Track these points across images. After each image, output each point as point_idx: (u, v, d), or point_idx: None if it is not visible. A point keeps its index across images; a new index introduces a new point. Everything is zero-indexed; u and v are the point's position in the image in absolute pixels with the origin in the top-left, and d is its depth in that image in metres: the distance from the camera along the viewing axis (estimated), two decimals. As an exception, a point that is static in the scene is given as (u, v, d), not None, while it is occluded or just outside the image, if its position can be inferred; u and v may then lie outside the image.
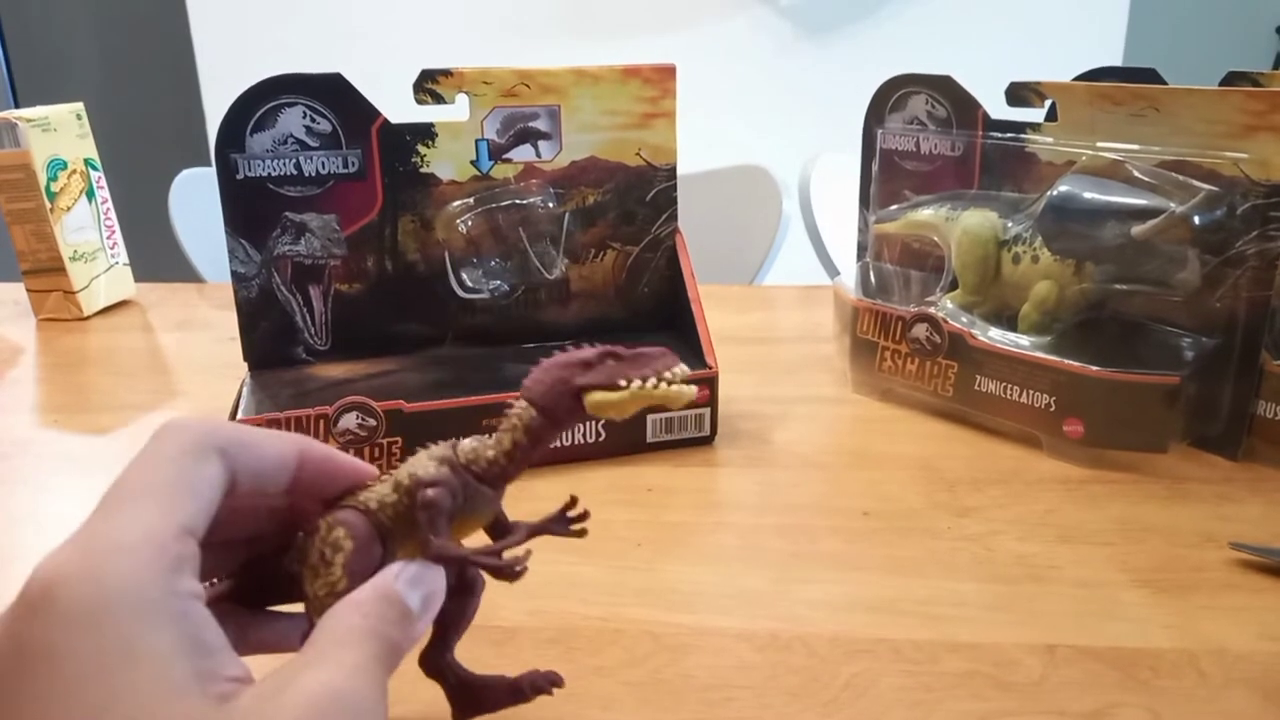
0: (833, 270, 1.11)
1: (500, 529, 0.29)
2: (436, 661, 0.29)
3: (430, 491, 0.26)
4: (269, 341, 0.57)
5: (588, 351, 0.27)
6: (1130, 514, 0.46)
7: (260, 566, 0.29)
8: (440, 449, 0.27)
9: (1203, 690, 0.34)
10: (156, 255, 1.18)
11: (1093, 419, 0.50)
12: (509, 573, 0.26)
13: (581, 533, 0.28)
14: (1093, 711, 0.33)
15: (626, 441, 0.53)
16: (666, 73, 0.58)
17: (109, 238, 0.85)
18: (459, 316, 0.59)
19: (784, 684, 0.35)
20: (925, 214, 0.61)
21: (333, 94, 0.54)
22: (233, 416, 0.49)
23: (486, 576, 0.29)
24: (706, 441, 0.55)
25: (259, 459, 0.26)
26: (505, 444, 0.27)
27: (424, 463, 0.27)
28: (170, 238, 1.21)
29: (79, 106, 0.83)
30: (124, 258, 0.87)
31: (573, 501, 0.28)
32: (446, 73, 0.55)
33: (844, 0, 1.73)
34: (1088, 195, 0.52)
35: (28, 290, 0.82)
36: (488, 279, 0.59)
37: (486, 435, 0.28)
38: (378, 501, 0.27)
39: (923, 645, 0.37)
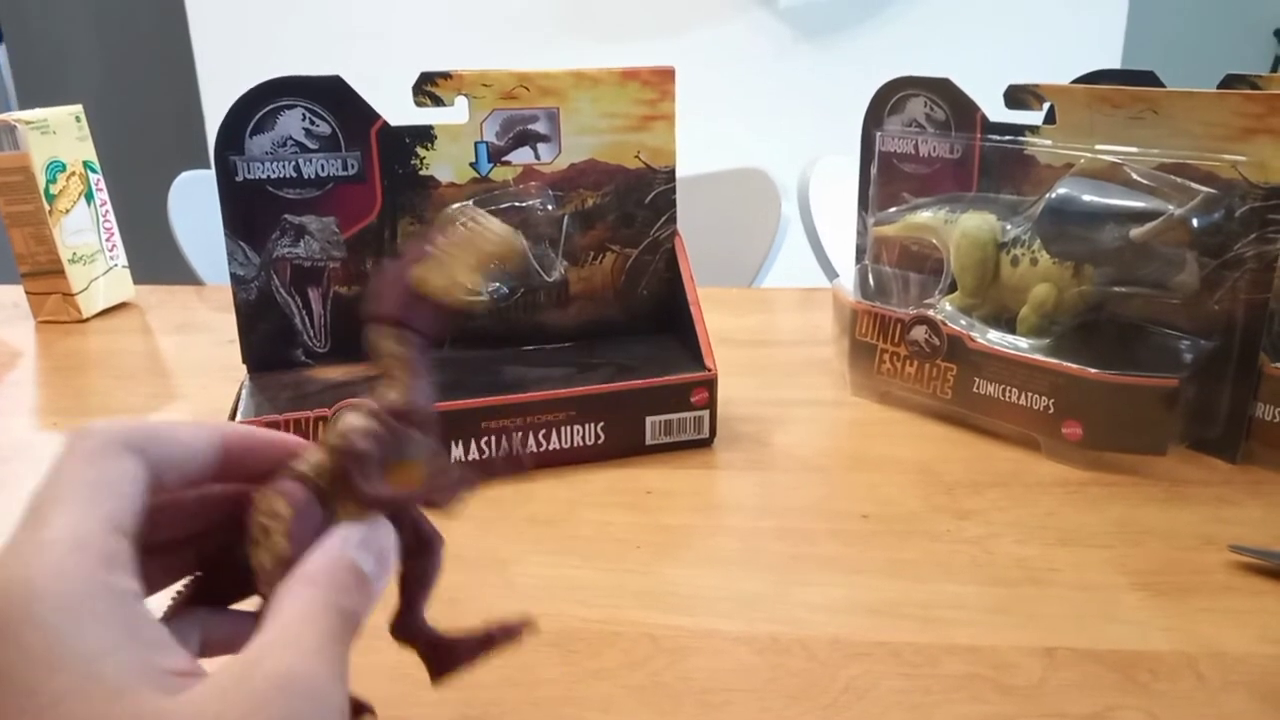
0: (831, 273, 1.11)
1: (442, 475, 0.28)
2: (407, 627, 0.29)
3: (354, 440, 0.26)
4: (268, 344, 0.57)
5: (409, 255, 0.27)
6: (1129, 516, 0.46)
7: (220, 563, 0.28)
8: (359, 400, 0.27)
9: (1201, 693, 0.34)
10: (155, 258, 1.18)
11: (1091, 421, 0.50)
12: (443, 504, 0.26)
13: (523, 467, 0.28)
14: (1092, 714, 0.33)
15: (625, 444, 0.53)
16: (665, 75, 0.58)
17: (108, 240, 0.85)
18: (457, 319, 0.59)
19: (783, 687, 0.35)
20: (924, 216, 0.61)
21: (332, 96, 0.54)
22: (232, 418, 0.49)
23: (458, 525, 0.29)
24: (706, 444, 0.55)
25: (176, 449, 0.25)
26: (392, 369, 0.27)
27: (347, 419, 0.26)
28: (169, 240, 1.21)
29: (78, 109, 0.83)
30: (123, 260, 0.87)
31: (511, 444, 0.28)
32: (445, 75, 0.55)
33: (843, 3, 1.73)
34: (1086, 198, 0.52)
35: (26, 293, 0.82)
36: (486, 281, 0.59)
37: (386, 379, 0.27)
38: (311, 467, 0.26)
39: (922, 648, 0.37)
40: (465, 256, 0.26)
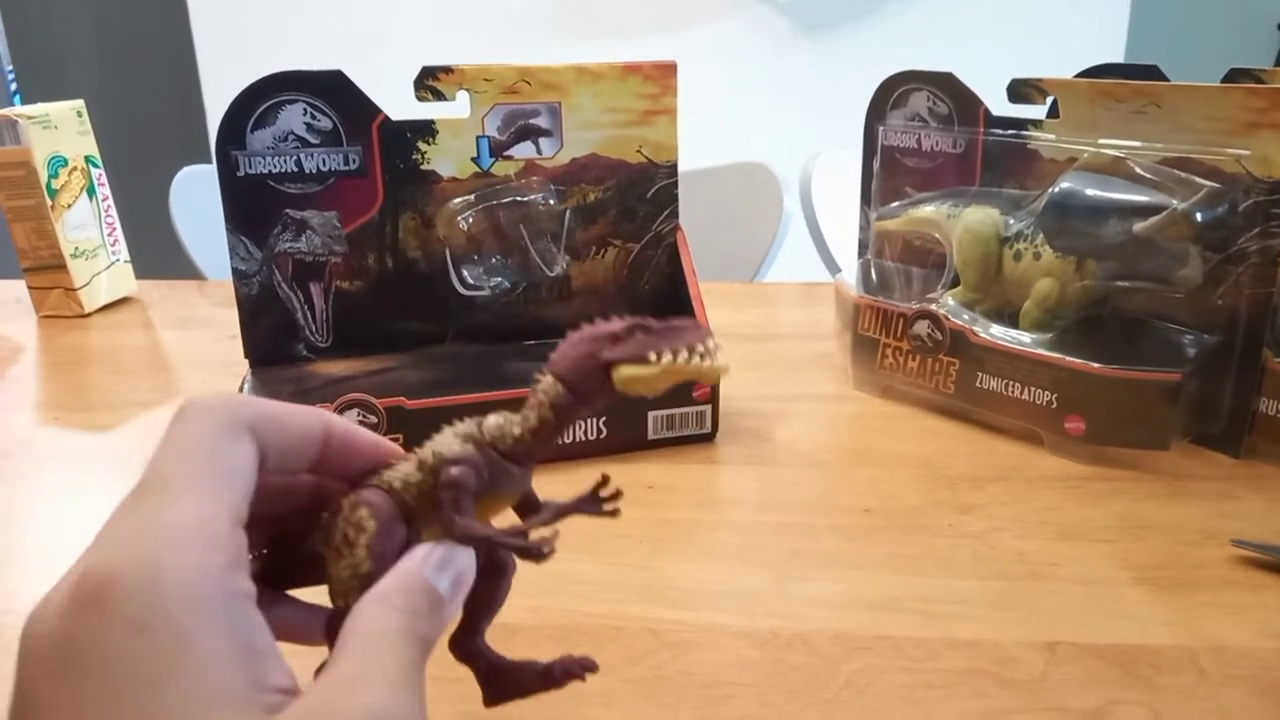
0: (834, 267, 1.11)
1: (529, 509, 0.28)
2: (467, 645, 0.28)
3: (454, 470, 0.25)
4: (270, 339, 0.57)
5: (616, 324, 0.25)
6: (1131, 511, 0.46)
7: (285, 548, 0.28)
8: (465, 426, 0.26)
9: (1203, 687, 0.34)
10: (157, 252, 1.18)
11: (1094, 416, 0.50)
12: (535, 553, 0.25)
13: (614, 512, 0.26)
14: (1093, 709, 0.33)
15: (627, 439, 0.53)
16: (668, 70, 0.58)
17: (110, 235, 0.85)
18: (460, 314, 0.59)
19: (784, 681, 0.35)
20: (927, 211, 0.60)
21: (333, 91, 0.54)
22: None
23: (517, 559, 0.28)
24: (707, 439, 0.55)
25: (285, 434, 0.25)
26: (531, 421, 0.26)
27: (448, 440, 0.26)
28: (171, 235, 1.21)
29: (80, 104, 0.83)
30: (125, 255, 0.87)
31: (605, 480, 0.26)
32: (447, 70, 0.55)
33: (845, -3, 1.73)
34: (1089, 192, 0.52)
35: (29, 287, 0.82)
36: (489, 276, 0.59)
37: (513, 412, 0.27)
38: (401, 481, 0.26)
39: (923, 643, 0.37)
40: (681, 377, 0.25)
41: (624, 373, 0.25)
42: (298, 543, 0.27)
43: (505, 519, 0.27)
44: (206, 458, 0.23)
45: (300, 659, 0.23)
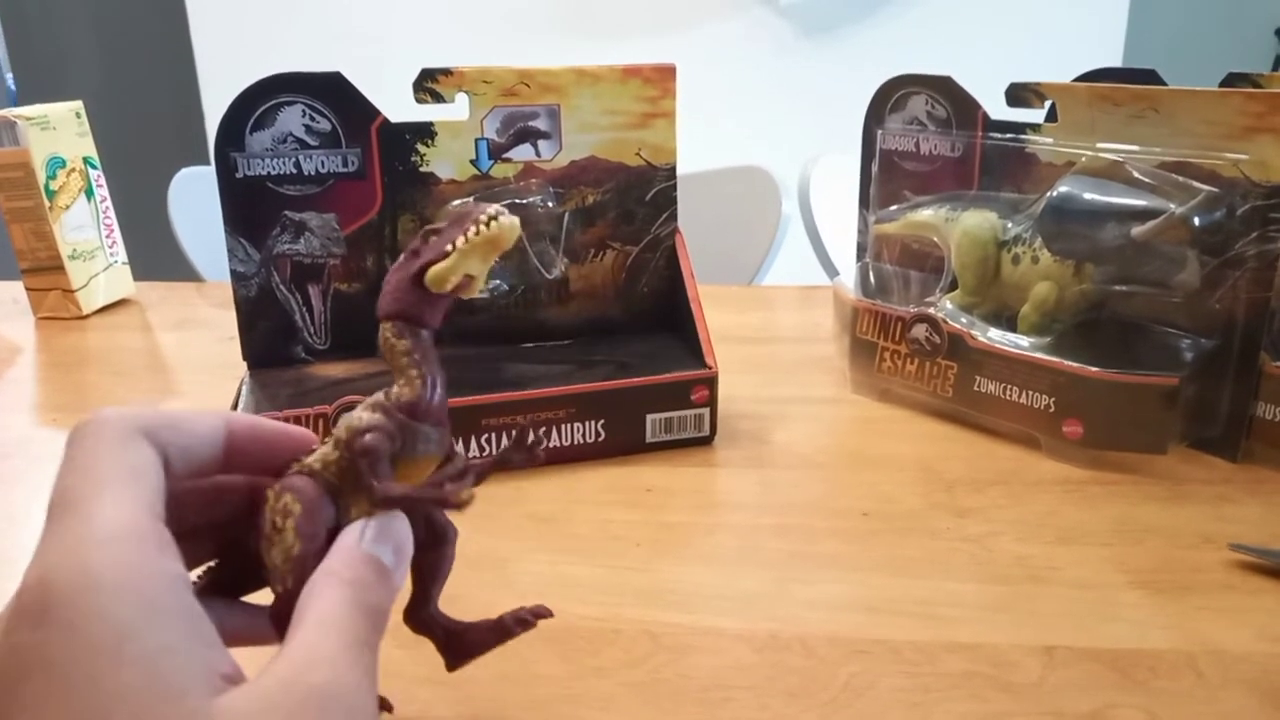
0: (832, 270, 1.11)
1: (453, 470, 0.28)
2: (421, 616, 0.29)
3: (366, 437, 0.25)
4: (268, 341, 0.57)
5: (412, 243, 0.27)
6: (1129, 515, 0.46)
7: (232, 555, 0.29)
8: (372, 397, 0.27)
9: (1201, 691, 0.34)
10: (155, 254, 1.18)
11: (1092, 420, 0.50)
12: (453, 502, 0.25)
13: (535, 460, 0.28)
14: (1091, 712, 0.33)
15: (625, 442, 0.53)
16: (667, 73, 0.58)
17: (108, 236, 0.85)
18: (458, 316, 0.59)
19: (783, 684, 0.35)
20: (925, 214, 0.61)
21: (332, 93, 0.54)
22: (231, 415, 0.48)
23: (458, 524, 0.29)
24: (706, 442, 0.55)
25: (185, 436, 0.26)
26: (404, 365, 0.27)
27: (356, 413, 0.26)
28: (169, 236, 1.21)
29: (78, 105, 0.83)
30: (123, 256, 0.87)
31: (523, 435, 0.28)
32: (446, 72, 0.55)
33: (844, 1, 1.73)
34: (1087, 196, 0.52)
35: (26, 289, 0.82)
36: (487, 278, 0.59)
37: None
38: (321, 461, 0.26)
39: (922, 646, 0.37)
40: (484, 252, 0.26)
41: (431, 273, 0.26)
42: (244, 548, 0.28)
43: None
44: (111, 464, 0.23)
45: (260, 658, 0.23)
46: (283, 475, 0.27)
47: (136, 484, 0.23)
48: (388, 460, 0.26)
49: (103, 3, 2.32)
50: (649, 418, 0.53)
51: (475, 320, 0.59)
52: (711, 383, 0.54)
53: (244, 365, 0.56)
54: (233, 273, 0.55)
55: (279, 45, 1.79)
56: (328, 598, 0.23)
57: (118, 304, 0.86)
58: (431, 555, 0.28)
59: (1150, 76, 0.58)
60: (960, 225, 0.58)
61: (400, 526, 0.26)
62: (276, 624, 0.25)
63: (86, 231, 0.83)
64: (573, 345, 0.60)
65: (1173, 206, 0.49)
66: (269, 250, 0.56)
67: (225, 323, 0.66)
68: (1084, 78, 0.61)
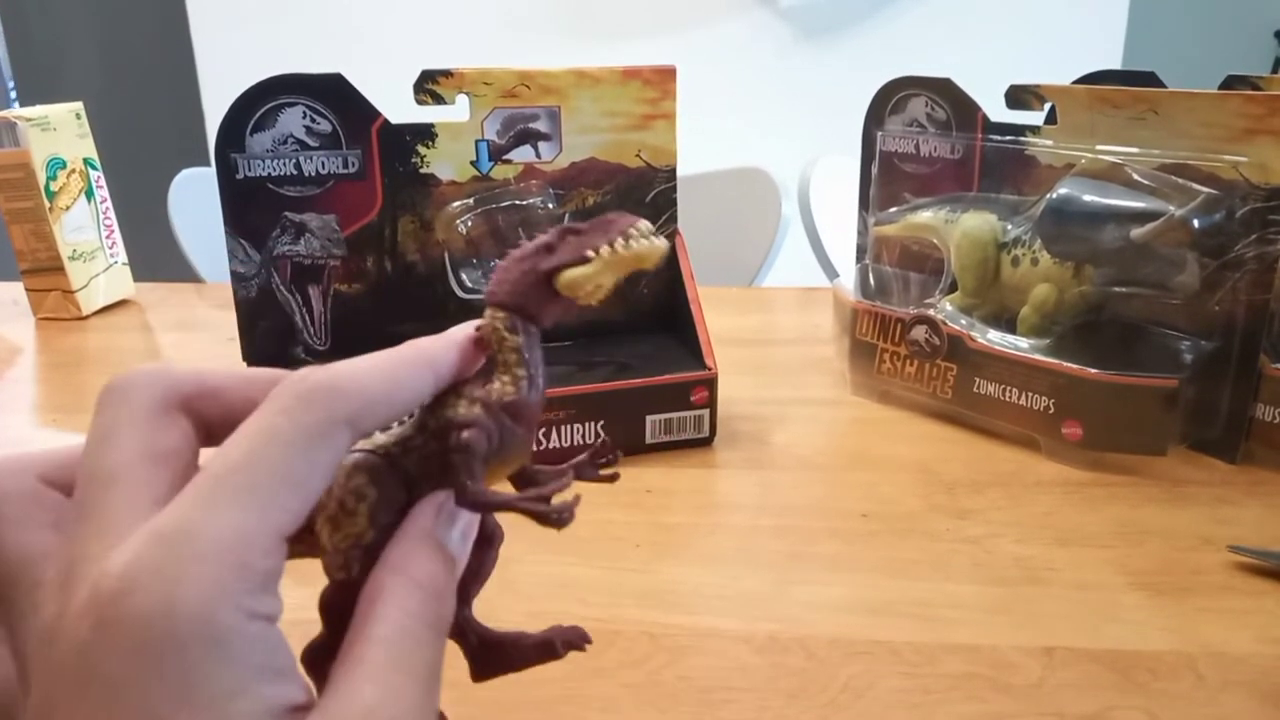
0: (832, 272, 1.11)
1: (525, 478, 0.27)
2: (456, 619, 0.27)
3: (466, 433, 0.23)
4: (268, 341, 0.57)
5: (545, 236, 0.25)
6: (1129, 517, 0.46)
7: None
8: (471, 389, 0.25)
9: (1200, 693, 0.34)
10: (155, 255, 1.18)
11: (1091, 421, 0.50)
12: (557, 519, 0.24)
13: (613, 477, 0.25)
14: (1091, 714, 0.33)
15: (625, 442, 0.53)
16: (667, 74, 0.58)
17: (108, 237, 0.85)
18: (458, 317, 0.58)
19: (782, 686, 0.35)
20: (925, 216, 0.61)
21: (333, 94, 0.54)
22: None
23: (505, 528, 0.27)
24: (705, 443, 0.55)
25: (224, 407, 0.23)
26: (513, 361, 0.25)
27: (455, 403, 0.24)
28: (169, 237, 1.21)
29: (78, 106, 0.83)
30: (123, 257, 0.87)
31: (604, 445, 0.25)
32: (447, 73, 0.55)
33: (844, 2, 1.73)
34: (1087, 198, 0.52)
35: (26, 289, 0.82)
36: (487, 280, 0.59)
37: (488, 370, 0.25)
38: (400, 445, 0.24)
39: (921, 647, 0.37)
40: (625, 267, 0.25)
41: (566, 276, 0.25)
42: None
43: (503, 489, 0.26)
44: (276, 460, 0.20)
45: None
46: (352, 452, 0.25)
47: (288, 495, 0.20)
48: (483, 461, 0.24)
49: (103, 3, 2.32)
50: (649, 419, 0.53)
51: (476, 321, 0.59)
52: (711, 384, 0.54)
53: (244, 366, 0.56)
54: (233, 274, 0.55)
55: (279, 46, 1.79)
56: (398, 609, 0.21)
57: (118, 305, 0.86)
58: (477, 557, 0.26)
59: (1150, 79, 0.58)
60: (960, 227, 0.58)
61: (471, 515, 0.24)
62: (327, 612, 0.23)
63: (86, 232, 0.83)
64: (572, 346, 0.60)
65: (1172, 209, 0.49)
66: (269, 251, 0.56)
67: (225, 324, 0.66)
68: (1084, 80, 0.61)
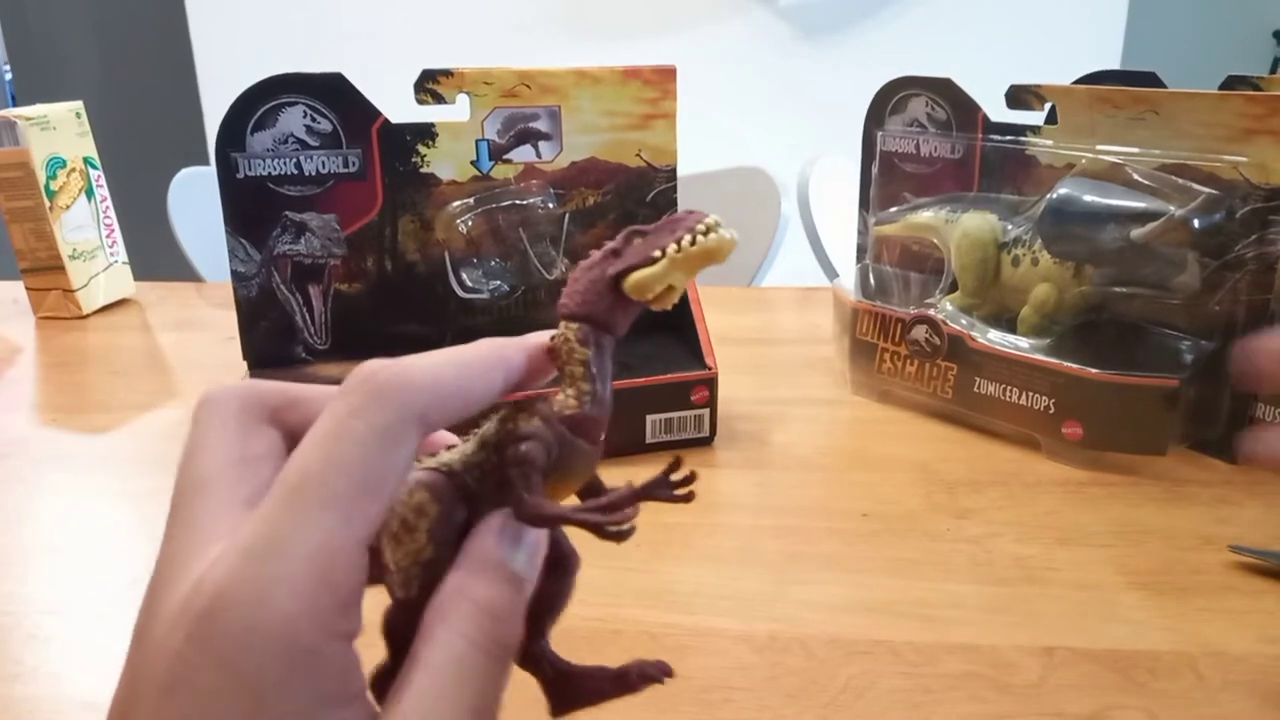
0: (832, 272, 1.11)
1: (592, 494, 0.26)
2: (531, 650, 0.26)
3: (524, 445, 0.23)
4: (268, 341, 0.57)
5: (611, 243, 0.24)
6: (1129, 516, 0.47)
7: None
8: (531, 403, 0.24)
9: (1200, 692, 0.34)
10: (155, 254, 1.18)
11: (1092, 421, 0.50)
12: (615, 532, 0.23)
13: (689, 497, 0.24)
14: (1091, 713, 0.33)
15: (625, 442, 0.53)
16: (667, 74, 0.58)
17: (108, 236, 0.85)
18: (458, 316, 0.59)
19: (782, 685, 0.35)
20: (925, 216, 0.61)
21: (333, 94, 0.54)
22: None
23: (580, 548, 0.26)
24: (705, 443, 0.55)
25: (309, 416, 0.22)
26: (579, 375, 0.24)
27: (516, 416, 0.24)
28: (169, 237, 1.21)
29: (78, 105, 0.83)
30: (123, 256, 0.87)
31: (677, 462, 0.24)
32: (447, 73, 0.55)
33: (844, 2, 1.73)
34: (1087, 198, 0.52)
35: (26, 289, 0.82)
36: (487, 279, 0.59)
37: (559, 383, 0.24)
38: (461, 462, 0.23)
39: (921, 647, 0.37)
40: (695, 264, 0.24)
41: (633, 278, 0.24)
42: None
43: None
44: (359, 466, 0.20)
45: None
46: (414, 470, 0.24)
47: (372, 503, 0.20)
48: (541, 473, 0.23)
49: (103, 3, 2.32)
50: (649, 418, 0.53)
51: (475, 321, 0.59)
52: (711, 384, 0.54)
53: (244, 365, 0.56)
54: (233, 273, 0.55)
55: (279, 46, 1.79)
56: (453, 633, 0.21)
57: (118, 304, 0.86)
58: (551, 584, 0.25)
59: (1150, 79, 0.58)
60: (960, 227, 0.58)
61: (538, 534, 0.23)
62: (390, 635, 0.23)
63: (86, 231, 0.83)
64: (573, 346, 0.60)
65: (1172, 209, 0.49)
66: (269, 250, 0.56)
67: (225, 323, 0.66)
68: (1084, 80, 0.61)
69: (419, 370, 0.21)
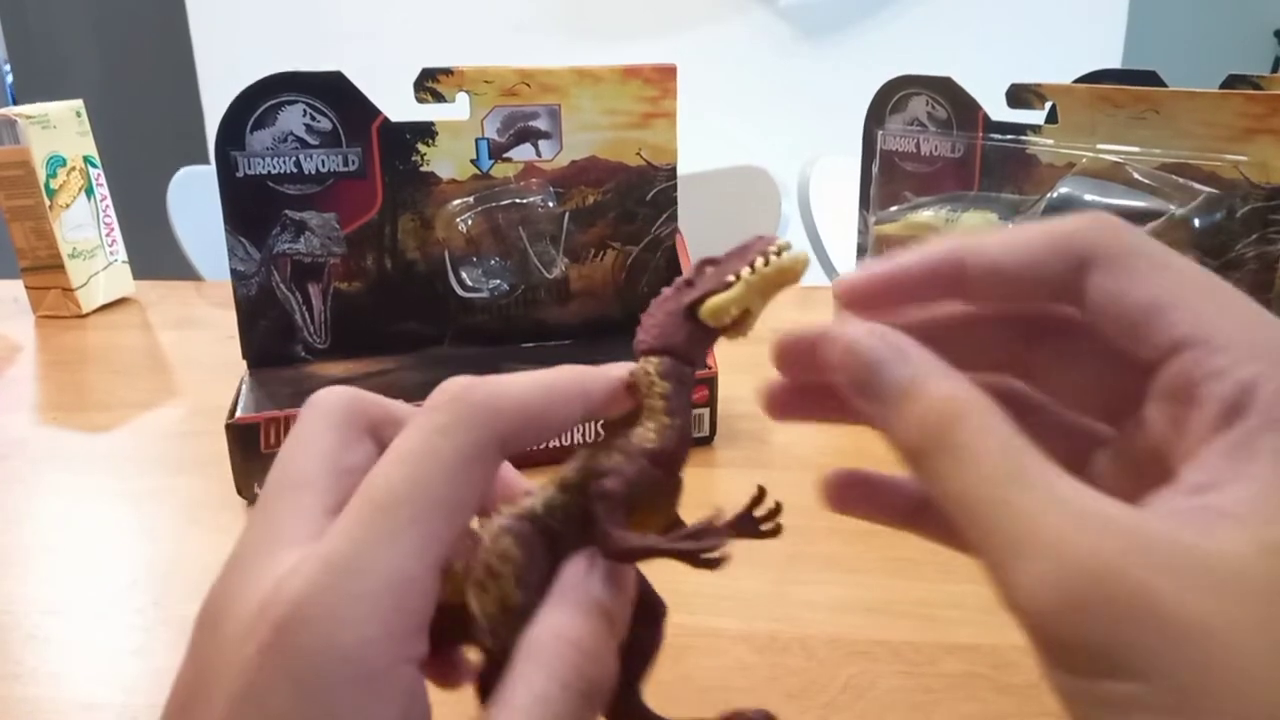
0: (832, 271, 1.11)
1: (673, 530, 0.25)
2: (625, 704, 0.25)
3: (607, 481, 0.23)
4: (268, 340, 0.56)
5: (683, 275, 0.24)
6: (1129, 516, 0.46)
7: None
8: (611, 439, 0.24)
9: (1201, 693, 0.34)
10: (155, 253, 1.18)
11: (1092, 421, 0.50)
12: (709, 560, 0.23)
13: (776, 531, 0.24)
14: (1091, 714, 0.33)
15: (625, 442, 0.53)
16: (667, 73, 0.58)
17: (108, 235, 0.85)
18: (458, 315, 0.59)
19: (783, 685, 0.35)
20: (925, 215, 0.61)
21: (333, 92, 0.54)
22: (232, 414, 0.48)
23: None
24: (706, 442, 0.55)
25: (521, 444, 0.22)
26: (658, 408, 0.24)
27: (596, 453, 0.24)
28: (169, 235, 1.21)
29: (78, 104, 0.83)
30: (123, 255, 0.87)
31: (761, 494, 0.24)
32: (447, 71, 0.55)
33: (844, 2, 1.73)
34: (1088, 197, 0.52)
35: (26, 287, 0.82)
36: (487, 278, 0.59)
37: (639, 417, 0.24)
38: (544, 505, 0.23)
39: (921, 647, 0.37)
40: (769, 287, 0.24)
41: (710, 304, 0.24)
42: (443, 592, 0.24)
43: None
44: (441, 485, 0.20)
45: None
46: (485, 512, 0.24)
47: (448, 525, 0.20)
48: (624, 509, 0.23)
49: (103, 3, 2.32)
50: (649, 418, 0.53)
51: (475, 320, 0.59)
52: (711, 383, 0.54)
53: (244, 364, 0.56)
54: (233, 271, 0.55)
55: (279, 45, 1.79)
56: (542, 672, 0.20)
57: (117, 303, 0.86)
58: (640, 632, 0.24)
59: (1150, 78, 0.58)
60: (960, 226, 0.58)
61: (627, 570, 0.23)
62: (484, 690, 0.22)
63: (86, 230, 0.83)
64: (573, 345, 0.60)
65: (1173, 208, 0.49)
66: (269, 249, 0.55)
67: (225, 322, 0.66)
68: (1084, 79, 0.61)
69: (506, 394, 0.21)
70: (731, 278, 0.24)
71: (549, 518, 0.23)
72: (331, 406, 0.23)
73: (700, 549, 0.23)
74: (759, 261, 0.24)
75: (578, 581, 0.22)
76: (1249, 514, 0.16)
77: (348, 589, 0.19)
